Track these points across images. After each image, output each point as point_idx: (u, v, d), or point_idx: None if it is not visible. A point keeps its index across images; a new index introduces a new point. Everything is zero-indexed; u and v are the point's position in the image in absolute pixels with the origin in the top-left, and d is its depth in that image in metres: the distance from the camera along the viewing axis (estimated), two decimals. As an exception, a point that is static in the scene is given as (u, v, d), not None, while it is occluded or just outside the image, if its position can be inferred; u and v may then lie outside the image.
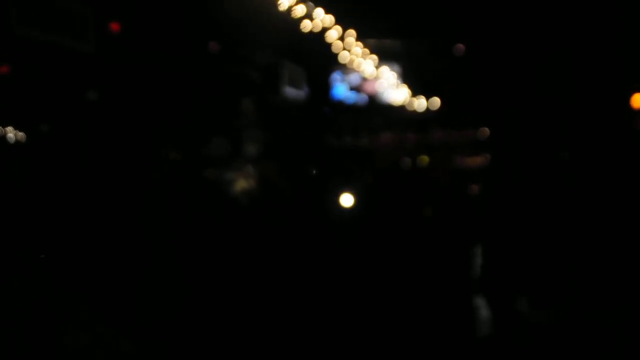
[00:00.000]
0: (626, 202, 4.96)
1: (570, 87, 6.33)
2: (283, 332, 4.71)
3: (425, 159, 7.53)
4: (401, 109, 10.44)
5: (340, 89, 9.57)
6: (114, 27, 6.01)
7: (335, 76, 9.50)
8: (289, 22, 7.59)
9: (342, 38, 8.77)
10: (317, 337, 4.77)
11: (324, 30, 8.35)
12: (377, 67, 10.05)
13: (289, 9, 7.51)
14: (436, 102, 10.11)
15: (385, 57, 9.94)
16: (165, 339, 4.30)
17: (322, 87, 9.28)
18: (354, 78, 9.72)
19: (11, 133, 6.01)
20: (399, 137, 7.45)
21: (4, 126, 6.01)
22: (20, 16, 4.89)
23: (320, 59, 8.86)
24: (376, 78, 10.10)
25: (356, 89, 9.80)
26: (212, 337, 4.56)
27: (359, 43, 9.25)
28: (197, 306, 4.66)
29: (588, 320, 4.52)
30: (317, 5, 7.96)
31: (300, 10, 7.70)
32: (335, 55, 8.95)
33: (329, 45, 8.63)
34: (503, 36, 7.56)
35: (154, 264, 4.78)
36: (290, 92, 8.31)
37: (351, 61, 9.34)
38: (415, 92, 10.70)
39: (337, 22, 8.45)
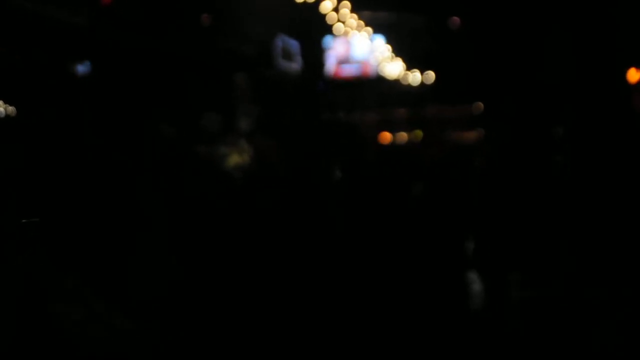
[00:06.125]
0: (622, 180, 4.96)
1: (566, 64, 6.30)
2: (277, 306, 4.72)
3: (419, 133, 7.51)
4: (395, 83, 10.38)
5: (350, 67, 9.50)
6: (106, 0, 5.95)
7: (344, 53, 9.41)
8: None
9: (336, 9, 8.67)
10: (311, 310, 4.78)
11: (318, 1, 8.26)
12: (371, 40, 9.98)
13: None
14: (431, 76, 10.07)
15: (380, 29, 9.87)
16: (159, 316, 4.30)
17: (316, 60, 9.22)
18: (348, 50, 9.66)
19: (1, 107, 5.94)
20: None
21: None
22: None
23: (314, 31, 8.79)
24: (370, 51, 10.03)
25: (349, 62, 9.75)
26: (206, 314, 4.56)
27: (354, 15, 9.15)
28: (190, 284, 4.66)
29: (580, 297, 4.54)
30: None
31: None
32: (330, 27, 8.86)
33: (324, 16, 8.53)
34: (500, 10, 7.51)
35: (147, 241, 4.77)
36: (284, 65, 8.25)
37: (345, 33, 9.26)
38: (409, 66, 10.64)
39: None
